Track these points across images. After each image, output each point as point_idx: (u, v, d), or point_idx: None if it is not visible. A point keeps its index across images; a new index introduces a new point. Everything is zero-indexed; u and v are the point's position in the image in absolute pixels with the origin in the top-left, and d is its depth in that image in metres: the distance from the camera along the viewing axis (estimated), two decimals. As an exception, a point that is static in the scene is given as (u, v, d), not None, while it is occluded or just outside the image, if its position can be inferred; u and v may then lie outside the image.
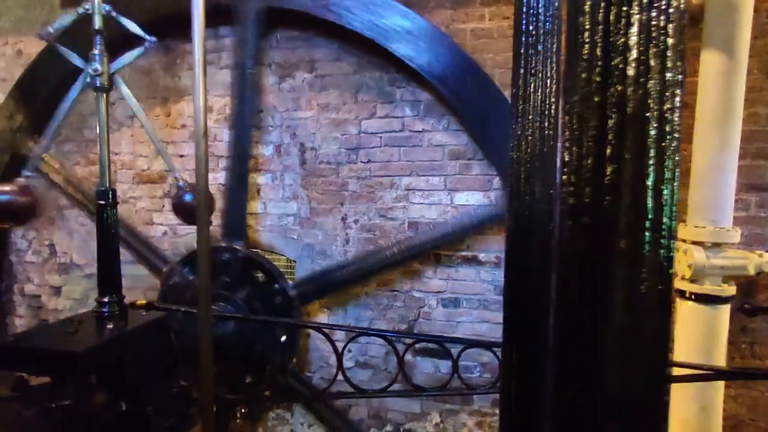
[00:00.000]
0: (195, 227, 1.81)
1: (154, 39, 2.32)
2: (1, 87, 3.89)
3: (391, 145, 3.24)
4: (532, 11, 1.56)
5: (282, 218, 3.47)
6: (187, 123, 3.56)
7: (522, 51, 1.56)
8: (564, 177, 0.69)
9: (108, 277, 2.25)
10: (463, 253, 3.18)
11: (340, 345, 2.51)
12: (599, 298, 0.66)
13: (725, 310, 2.55)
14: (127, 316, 2.28)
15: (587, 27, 0.63)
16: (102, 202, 2.23)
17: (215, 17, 3.15)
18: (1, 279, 3.99)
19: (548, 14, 1.53)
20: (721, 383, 2.57)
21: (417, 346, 3.24)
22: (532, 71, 1.54)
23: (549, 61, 1.56)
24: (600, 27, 0.62)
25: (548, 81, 1.56)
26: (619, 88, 0.61)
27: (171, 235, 3.67)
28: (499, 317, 3.17)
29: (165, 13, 3.16)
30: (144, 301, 2.36)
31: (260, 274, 3.23)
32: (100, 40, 2.13)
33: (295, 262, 3.51)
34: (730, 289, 2.53)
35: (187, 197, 2.54)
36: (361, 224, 3.33)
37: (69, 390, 1.96)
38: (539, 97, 1.56)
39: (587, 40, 0.63)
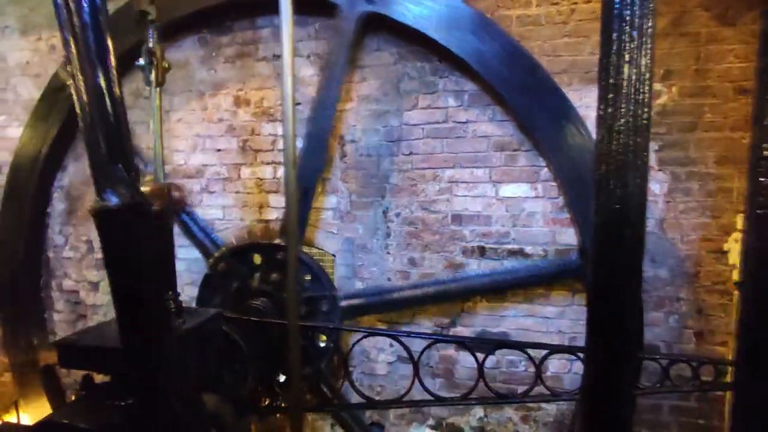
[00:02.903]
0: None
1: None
2: (35, 82, 3.88)
3: (434, 137, 3.17)
4: (626, -7, 1.47)
5: (321, 212, 3.43)
6: (224, 117, 3.52)
7: (614, 37, 1.48)
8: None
9: (163, 275, 2.22)
10: (509, 246, 3.11)
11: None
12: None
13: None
14: (183, 314, 2.26)
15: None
16: (156, 198, 2.19)
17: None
18: (39, 275, 4.02)
19: (645, -4, 1.44)
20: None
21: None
22: (627, 58, 1.46)
23: (644, 46, 1.48)
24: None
25: (642, 68, 1.48)
26: None
27: (210, 229, 3.64)
28: (545, 311, 3.12)
29: (205, 6, 3.12)
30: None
31: (308, 277, 3.19)
32: (153, 32, 2.09)
33: (334, 255, 3.47)
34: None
35: None
36: (403, 217, 3.28)
37: (131, 389, 1.94)
38: (633, 85, 1.48)
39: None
